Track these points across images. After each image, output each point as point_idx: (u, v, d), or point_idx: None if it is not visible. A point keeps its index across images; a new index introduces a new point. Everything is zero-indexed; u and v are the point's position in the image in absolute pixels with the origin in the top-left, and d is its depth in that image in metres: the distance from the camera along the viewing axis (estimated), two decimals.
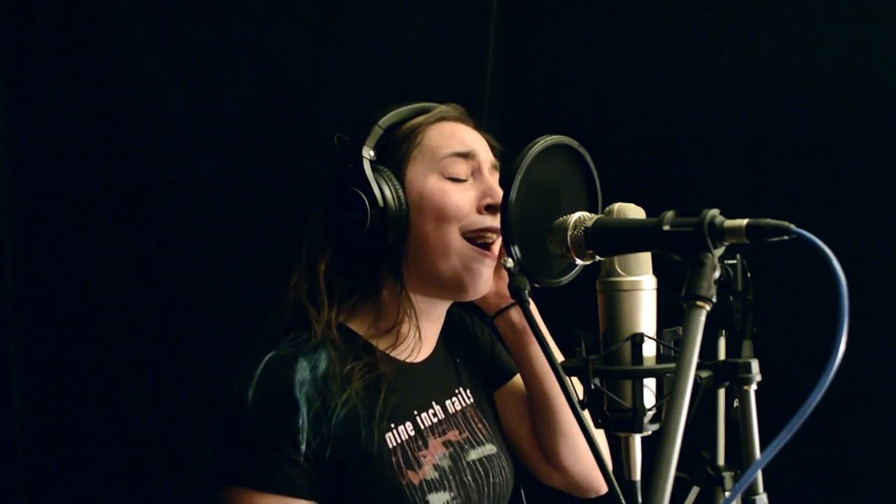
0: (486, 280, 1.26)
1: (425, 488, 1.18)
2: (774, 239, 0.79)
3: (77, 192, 1.82)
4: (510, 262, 1.00)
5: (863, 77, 1.90)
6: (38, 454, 1.78)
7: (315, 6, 1.95)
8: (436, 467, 1.21)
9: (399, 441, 1.20)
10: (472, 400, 1.35)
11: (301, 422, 1.13)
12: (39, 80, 1.78)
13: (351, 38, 1.98)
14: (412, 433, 1.22)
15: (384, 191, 1.20)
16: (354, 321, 1.27)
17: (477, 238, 1.24)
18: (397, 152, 1.24)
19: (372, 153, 1.22)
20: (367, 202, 1.19)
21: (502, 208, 1.00)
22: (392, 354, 1.26)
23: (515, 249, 1.00)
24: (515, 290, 1.00)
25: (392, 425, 1.20)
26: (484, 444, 1.31)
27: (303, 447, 1.13)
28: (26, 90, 1.76)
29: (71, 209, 1.81)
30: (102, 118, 1.82)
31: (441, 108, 1.29)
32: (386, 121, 1.25)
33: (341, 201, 1.21)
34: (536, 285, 1.05)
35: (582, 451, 1.37)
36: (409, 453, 1.20)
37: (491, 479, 1.28)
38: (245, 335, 1.88)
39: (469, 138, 1.28)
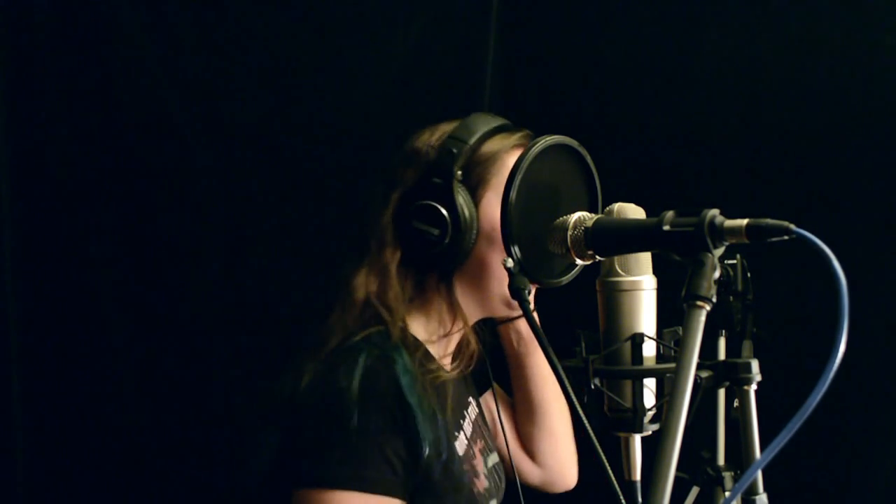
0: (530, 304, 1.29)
1: (486, 496, 1.23)
2: (774, 239, 0.79)
3: (78, 192, 1.82)
4: (510, 262, 1.00)
5: (863, 77, 1.89)
6: (38, 454, 1.78)
7: (315, 6, 1.95)
8: (485, 475, 1.27)
9: (463, 450, 1.22)
10: (477, 410, 1.39)
11: (417, 423, 1.11)
12: (39, 80, 1.78)
13: (351, 38, 1.98)
14: (466, 441, 1.25)
15: (465, 214, 1.20)
16: (412, 325, 1.26)
17: None
18: (475, 173, 1.24)
19: (460, 174, 1.21)
20: (448, 223, 1.19)
21: (502, 208, 1.00)
22: (443, 362, 1.28)
23: (515, 249, 1.00)
24: (515, 290, 1.00)
25: (455, 433, 1.22)
26: (493, 451, 1.36)
27: (425, 449, 1.11)
28: (26, 90, 1.76)
29: (72, 209, 1.81)
30: (103, 118, 1.82)
31: (518, 136, 1.29)
32: (476, 141, 1.24)
33: (419, 211, 1.20)
34: (537, 285, 1.05)
35: (560, 448, 1.46)
36: (469, 461, 1.23)
37: (501, 486, 1.34)
38: (247, 335, 1.88)
39: None
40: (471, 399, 1.37)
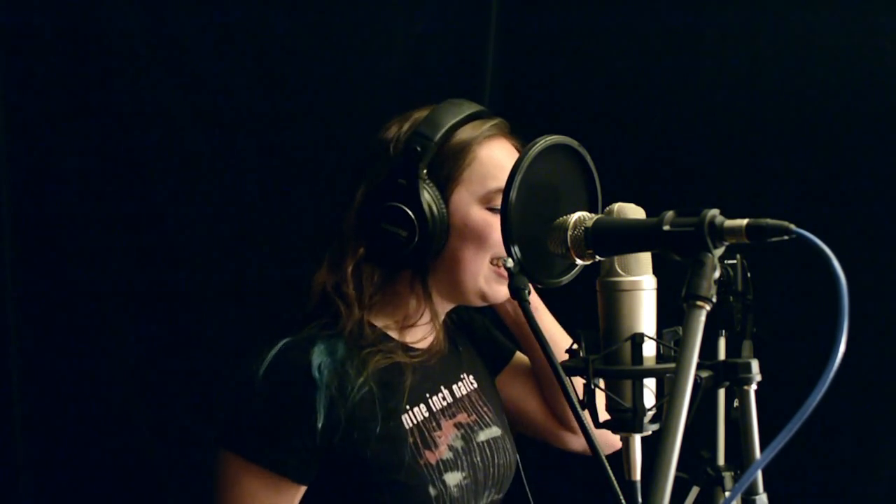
0: (506, 294, 1.28)
1: (441, 468, 1.22)
2: (774, 239, 0.79)
3: (79, 191, 1.82)
4: (510, 262, 1.00)
5: (863, 77, 1.90)
6: (38, 454, 1.78)
7: (315, 6, 1.95)
8: (450, 447, 1.26)
9: (415, 422, 1.23)
10: (475, 385, 1.39)
11: (318, 403, 1.16)
12: (39, 80, 1.78)
13: (351, 36, 1.98)
14: (426, 414, 1.26)
15: (433, 214, 1.21)
16: (375, 316, 1.29)
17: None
18: (444, 167, 1.24)
19: (425, 172, 1.22)
20: (416, 224, 1.19)
21: (502, 208, 1.00)
22: (408, 343, 1.30)
23: (515, 249, 1.00)
24: (515, 290, 1.00)
25: (407, 407, 1.24)
26: (490, 426, 1.35)
27: (319, 426, 1.15)
28: (26, 90, 1.76)
29: (72, 207, 1.81)
30: (104, 118, 1.82)
31: (490, 125, 1.28)
32: (441, 137, 1.23)
33: (387, 213, 1.21)
34: (538, 285, 1.05)
35: None
36: (426, 433, 1.24)
37: (496, 461, 1.32)
38: (248, 333, 1.88)
39: None
40: (464, 374, 1.38)
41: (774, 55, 1.96)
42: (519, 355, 1.51)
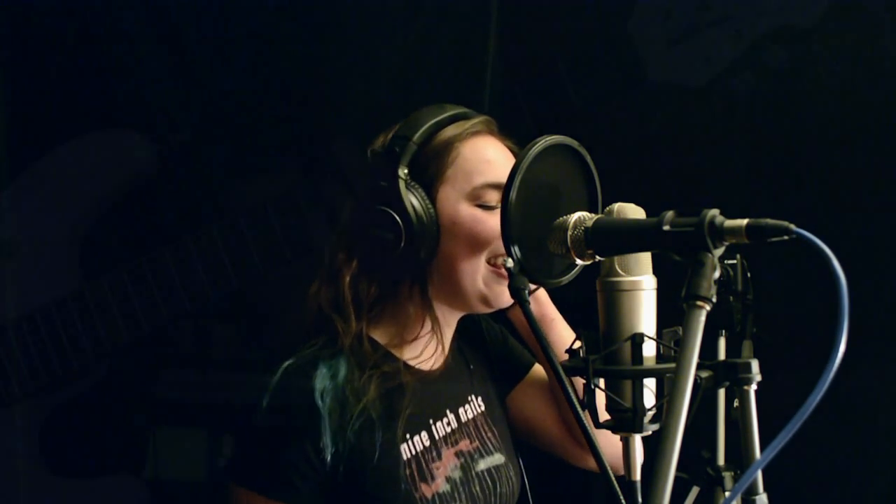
0: (508, 298, 1.25)
1: (437, 501, 1.19)
2: (774, 239, 0.79)
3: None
4: (510, 262, 1.00)
5: (863, 77, 1.90)
6: (37, 454, 1.78)
7: (315, 6, 1.95)
8: (448, 479, 1.22)
9: (414, 452, 1.20)
10: (483, 408, 1.35)
11: (324, 430, 1.14)
12: (39, 79, 1.78)
13: (351, 38, 1.98)
14: (427, 443, 1.22)
15: (418, 214, 1.18)
16: (376, 330, 1.26)
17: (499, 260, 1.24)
18: (429, 168, 1.22)
19: (406, 171, 1.20)
20: (401, 226, 1.17)
21: (502, 208, 1.00)
22: (413, 364, 1.26)
23: (515, 249, 1.00)
24: (515, 291, 1.00)
25: (407, 436, 1.20)
26: (493, 453, 1.31)
27: (328, 456, 1.13)
28: (26, 89, 1.76)
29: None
30: (104, 116, 1.83)
31: (474, 122, 1.26)
32: (420, 136, 1.21)
33: (372, 218, 1.19)
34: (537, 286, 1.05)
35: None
36: (424, 465, 1.20)
37: (498, 490, 1.29)
38: (249, 336, 1.88)
39: (503, 166, 1.24)
40: (472, 396, 1.34)
41: (774, 55, 1.96)
42: (537, 370, 1.45)
